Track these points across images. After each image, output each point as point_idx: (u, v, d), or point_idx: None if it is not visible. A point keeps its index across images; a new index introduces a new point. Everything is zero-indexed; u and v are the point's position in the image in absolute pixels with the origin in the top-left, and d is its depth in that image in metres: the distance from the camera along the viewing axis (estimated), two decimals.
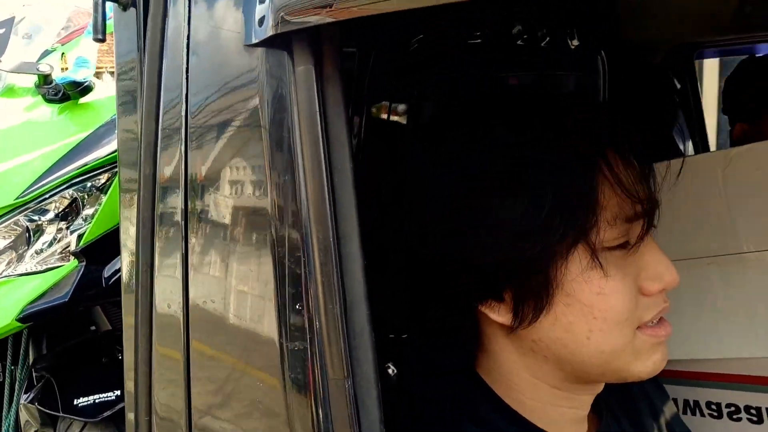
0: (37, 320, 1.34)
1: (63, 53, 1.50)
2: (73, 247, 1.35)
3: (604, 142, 0.56)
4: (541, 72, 1.23)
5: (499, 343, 0.61)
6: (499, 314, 0.57)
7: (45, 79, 1.44)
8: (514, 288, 0.56)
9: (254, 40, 0.52)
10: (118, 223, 1.37)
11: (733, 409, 0.82)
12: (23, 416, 1.45)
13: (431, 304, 0.61)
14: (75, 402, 1.30)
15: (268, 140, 0.52)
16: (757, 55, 1.56)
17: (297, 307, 0.49)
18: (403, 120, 1.22)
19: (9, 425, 1.47)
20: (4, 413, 1.51)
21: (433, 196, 0.58)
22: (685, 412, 0.86)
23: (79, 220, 1.37)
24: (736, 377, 0.81)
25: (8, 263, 1.37)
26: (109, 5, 0.63)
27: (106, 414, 1.30)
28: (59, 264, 1.36)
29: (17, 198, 1.35)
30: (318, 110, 0.50)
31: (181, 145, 0.59)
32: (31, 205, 1.36)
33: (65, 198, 1.37)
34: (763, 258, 0.77)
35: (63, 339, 1.52)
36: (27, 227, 1.36)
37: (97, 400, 1.30)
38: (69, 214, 1.38)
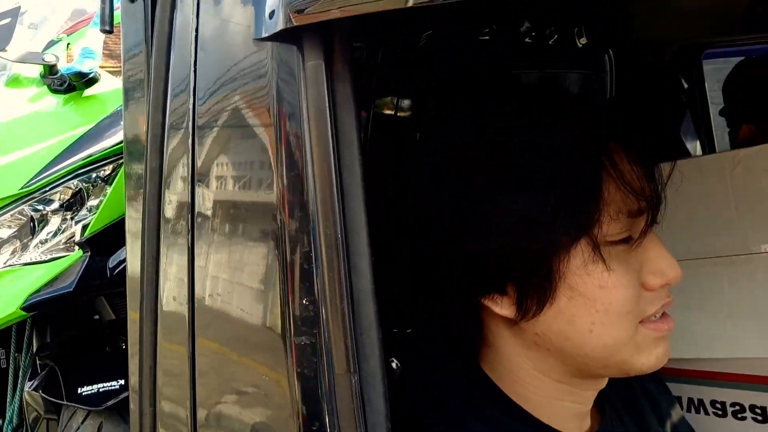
0: (42, 309, 1.35)
1: (69, 44, 1.50)
2: (77, 238, 1.36)
3: (608, 138, 0.56)
4: (548, 70, 1.22)
5: (502, 337, 0.61)
6: (502, 307, 0.57)
7: (50, 70, 1.44)
8: (518, 281, 0.56)
9: (264, 35, 0.52)
10: (123, 215, 1.38)
11: (738, 408, 0.82)
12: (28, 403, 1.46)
13: (435, 297, 0.61)
14: (79, 390, 1.31)
15: (277, 135, 0.52)
16: (755, 56, 1.55)
17: (304, 302, 0.49)
18: (408, 115, 1.22)
19: (13, 412, 1.48)
20: (8, 400, 1.51)
21: (437, 189, 0.58)
22: (689, 411, 0.86)
23: (84, 211, 1.38)
24: (742, 377, 0.82)
25: (13, 252, 1.37)
26: None
27: (110, 403, 1.30)
28: (64, 254, 1.36)
29: (22, 188, 1.35)
30: (327, 106, 0.50)
31: (189, 139, 0.59)
32: (36, 195, 1.37)
33: (70, 188, 1.38)
34: None
35: (67, 328, 1.53)
36: (32, 217, 1.36)
37: (101, 389, 1.31)
38: (74, 204, 1.39)
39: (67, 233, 1.37)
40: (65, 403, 1.32)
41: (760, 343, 0.77)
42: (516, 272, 0.56)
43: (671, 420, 0.75)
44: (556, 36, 1.19)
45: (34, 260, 1.36)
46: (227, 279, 0.56)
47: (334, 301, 0.48)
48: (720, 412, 0.84)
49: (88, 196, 1.38)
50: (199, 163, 0.59)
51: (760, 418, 0.80)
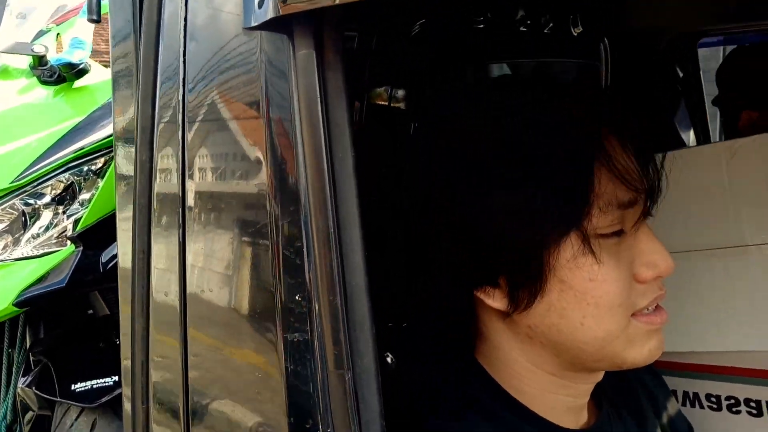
0: (35, 305, 1.34)
1: (58, 34, 1.48)
2: (69, 232, 1.34)
3: (600, 127, 0.55)
4: (542, 59, 1.21)
5: (496, 330, 0.60)
6: (494, 300, 0.57)
7: (40, 61, 1.42)
8: (509, 274, 0.56)
9: (254, 23, 0.51)
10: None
11: (732, 401, 0.82)
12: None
13: (429, 290, 0.61)
14: (72, 387, 1.30)
15: (268, 126, 0.51)
16: (748, 44, 1.55)
17: (296, 297, 0.49)
18: (403, 105, 1.21)
19: (6, 408, 1.47)
20: (1, 397, 1.51)
21: (430, 179, 0.58)
22: (684, 404, 0.86)
23: (76, 205, 1.37)
24: (737, 370, 0.81)
25: (4, 247, 1.36)
26: None
27: (103, 399, 1.30)
28: (56, 248, 1.35)
29: (12, 182, 1.34)
30: (319, 96, 0.49)
31: (179, 131, 0.58)
32: (27, 189, 1.35)
33: (61, 182, 1.36)
34: (766, 251, 0.76)
35: (60, 323, 1.52)
36: (23, 211, 1.35)
37: (94, 386, 1.30)
38: (65, 198, 1.38)
39: (59, 227, 1.36)
40: (59, 399, 1.32)
41: (755, 336, 0.77)
42: (507, 265, 0.56)
43: (668, 413, 0.75)
44: (551, 24, 1.18)
45: (26, 255, 1.35)
46: (219, 273, 0.55)
47: (327, 297, 0.48)
48: (715, 406, 0.84)
49: (80, 190, 1.37)
50: (189, 155, 0.58)
51: (755, 411, 0.80)
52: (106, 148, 1.37)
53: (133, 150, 0.63)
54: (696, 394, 0.86)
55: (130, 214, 0.63)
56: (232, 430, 0.54)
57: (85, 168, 1.36)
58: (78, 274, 1.31)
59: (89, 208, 1.34)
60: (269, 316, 0.51)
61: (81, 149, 1.36)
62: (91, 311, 1.52)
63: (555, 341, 0.57)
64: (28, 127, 1.40)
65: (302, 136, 0.49)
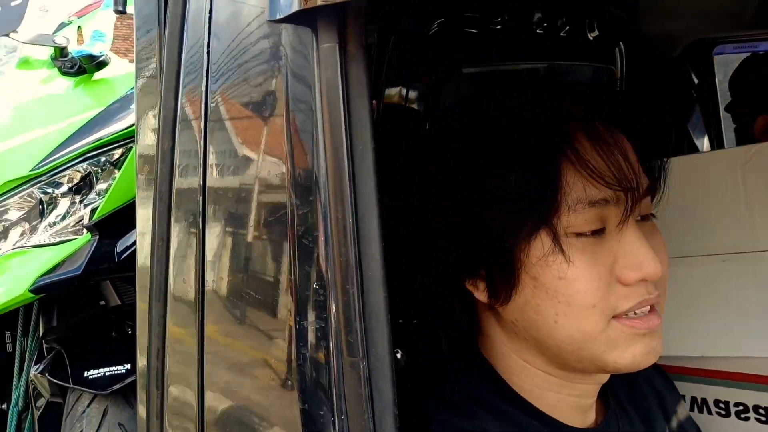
0: (50, 292, 1.35)
1: (79, 26, 1.50)
2: (86, 221, 1.36)
3: (569, 126, 0.55)
4: (557, 61, 1.22)
5: (490, 325, 0.62)
6: (479, 291, 0.59)
7: (61, 52, 1.44)
8: (486, 266, 0.57)
9: (278, 16, 0.51)
10: (132, 199, 1.39)
11: (741, 408, 0.82)
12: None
13: (428, 283, 0.62)
14: (85, 374, 1.31)
15: (289, 118, 0.52)
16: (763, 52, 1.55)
17: (314, 286, 0.49)
18: (416, 105, 1.22)
19: (19, 395, 1.49)
20: (14, 383, 1.52)
21: (430, 176, 0.60)
22: (692, 410, 0.86)
23: (93, 195, 1.38)
24: (747, 376, 0.81)
25: (21, 234, 1.38)
26: None
27: (116, 387, 1.31)
28: (72, 237, 1.36)
29: (32, 170, 1.35)
30: (340, 89, 0.49)
31: (201, 121, 0.59)
32: (44, 177, 1.37)
33: (79, 172, 1.38)
34: None
35: (73, 312, 1.53)
36: (41, 199, 1.37)
37: (107, 373, 1.31)
38: (82, 188, 1.39)
39: (76, 216, 1.37)
40: (71, 386, 1.33)
41: (766, 342, 0.77)
42: (484, 257, 0.57)
43: (677, 417, 0.74)
44: (567, 27, 1.18)
45: (42, 243, 1.36)
46: (237, 261, 0.56)
47: (344, 286, 0.48)
48: (723, 412, 0.83)
49: (97, 180, 1.38)
50: (210, 145, 0.58)
51: (763, 419, 0.79)
52: (123, 140, 1.39)
53: (155, 139, 0.64)
54: (704, 400, 0.86)
55: (150, 202, 0.64)
56: (247, 415, 0.55)
57: (103, 158, 1.38)
58: (93, 263, 1.32)
59: (106, 198, 1.35)
60: (286, 304, 0.51)
61: (99, 140, 1.38)
62: (103, 302, 1.53)
63: (535, 337, 0.57)
64: (48, 117, 1.42)
65: (323, 128, 0.50)
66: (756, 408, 0.80)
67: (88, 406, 1.32)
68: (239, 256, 0.56)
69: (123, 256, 1.32)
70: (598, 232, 0.55)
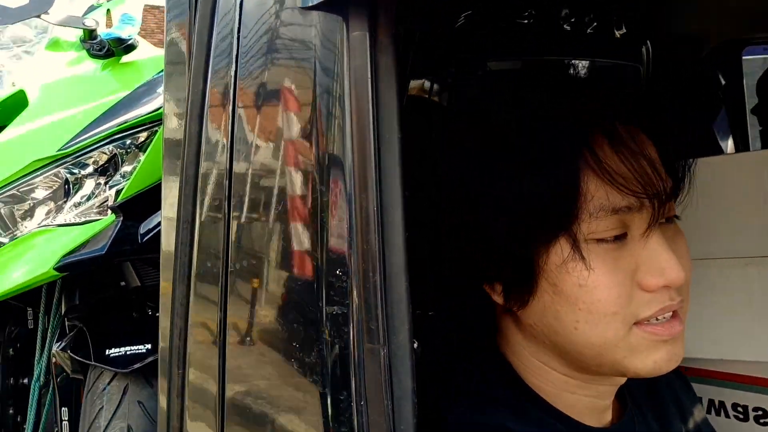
0: (74, 270, 1.38)
1: (108, 9, 1.52)
2: (111, 202, 1.38)
3: (589, 132, 0.53)
4: (582, 58, 1.21)
5: (508, 326, 0.61)
6: (496, 294, 0.58)
7: (90, 34, 1.46)
8: (502, 271, 0.56)
9: (310, 3, 0.52)
10: (155, 182, 1.40)
11: (760, 413, 0.81)
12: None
13: (447, 280, 0.62)
14: (107, 352, 1.34)
15: (317, 105, 0.52)
16: None
17: (338, 272, 0.50)
18: (441, 98, 1.21)
19: (40, 371, 1.52)
20: (36, 359, 1.56)
21: (447, 172, 0.59)
22: (709, 412, 0.86)
23: (118, 176, 1.40)
24: (766, 381, 0.80)
25: (48, 213, 1.40)
26: None
27: (136, 366, 1.33)
28: (97, 218, 1.39)
29: (59, 150, 1.38)
30: (369, 77, 0.49)
31: (229, 105, 0.59)
32: (71, 158, 1.39)
33: (105, 153, 1.40)
34: None
35: (94, 292, 1.56)
36: (67, 179, 1.39)
37: (128, 352, 1.34)
38: (108, 169, 1.41)
39: (101, 197, 1.40)
40: (93, 363, 1.35)
41: None
42: (500, 263, 0.56)
43: (694, 419, 0.74)
44: (594, 24, 1.17)
45: (68, 222, 1.39)
46: (262, 246, 0.57)
47: (367, 274, 0.49)
48: (741, 416, 0.83)
49: (122, 162, 1.40)
50: (238, 129, 0.59)
51: None
52: (149, 123, 1.40)
53: (183, 122, 0.64)
54: (722, 403, 0.86)
55: (177, 183, 0.64)
56: (267, 395, 0.56)
57: (128, 141, 1.40)
58: (117, 244, 1.34)
59: (130, 180, 1.37)
60: (309, 289, 0.52)
61: (125, 123, 1.40)
62: (123, 283, 1.56)
63: (554, 342, 0.57)
64: (75, 98, 1.44)
65: (351, 116, 0.50)
66: None
67: (108, 383, 1.35)
68: (264, 241, 0.57)
69: (145, 238, 1.34)
70: (620, 238, 0.54)
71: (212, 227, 0.61)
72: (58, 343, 1.44)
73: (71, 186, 1.39)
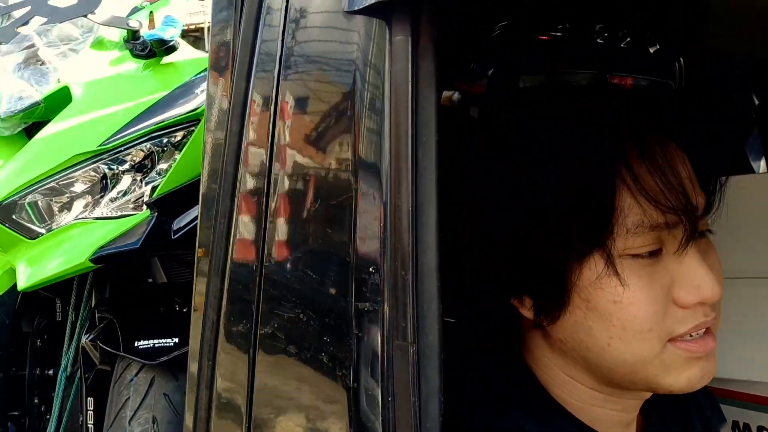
0: (109, 262, 1.41)
1: (151, 12, 1.56)
2: (146, 198, 1.42)
3: (626, 148, 0.53)
4: (615, 73, 1.20)
5: (535, 339, 0.61)
6: (525, 309, 0.57)
7: (133, 35, 1.50)
8: (533, 287, 0.56)
9: (355, 7, 0.53)
10: (190, 179, 1.43)
11: None
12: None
13: (472, 292, 0.61)
14: (136, 344, 1.36)
15: (357, 107, 0.54)
16: None
17: (370, 269, 0.51)
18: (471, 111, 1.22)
19: (68, 361, 1.56)
20: (64, 350, 1.59)
21: (477, 184, 0.59)
22: None
23: (154, 173, 1.44)
24: None
25: (85, 206, 1.44)
26: None
27: (164, 358, 1.35)
28: (132, 213, 1.42)
29: (99, 146, 1.42)
30: (410, 80, 0.50)
31: (272, 105, 0.61)
32: (110, 154, 1.43)
33: (142, 151, 1.44)
34: None
35: (122, 287, 1.60)
36: (105, 174, 1.43)
37: (156, 345, 1.36)
38: (144, 166, 1.45)
39: (137, 193, 1.43)
40: (121, 354, 1.38)
41: None
42: (531, 278, 0.55)
43: None
44: (628, 39, 1.17)
45: (104, 216, 1.42)
46: (298, 243, 0.58)
47: (399, 272, 0.49)
48: None
49: (159, 160, 1.44)
50: (278, 129, 0.61)
51: None
52: (186, 123, 1.44)
53: (224, 120, 0.66)
54: (747, 425, 0.84)
55: (217, 179, 0.66)
56: (295, 390, 0.57)
57: (165, 140, 1.43)
58: (150, 239, 1.38)
59: (166, 177, 1.41)
60: (342, 285, 0.53)
61: (162, 122, 1.43)
62: (150, 279, 1.59)
63: (585, 358, 0.56)
64: (117, 96, 1.48)
65: (390, 117, 0.51)
66: None
67: (135, 375, 1.37)
68: (300, 237, 0.58)
69: (178, 234, 1.37)
70: (655, 253, 0.54)
71: (250, 223, 0.63)
72: (88, 335, 1.48)
73: (109, 181, 1.43)
